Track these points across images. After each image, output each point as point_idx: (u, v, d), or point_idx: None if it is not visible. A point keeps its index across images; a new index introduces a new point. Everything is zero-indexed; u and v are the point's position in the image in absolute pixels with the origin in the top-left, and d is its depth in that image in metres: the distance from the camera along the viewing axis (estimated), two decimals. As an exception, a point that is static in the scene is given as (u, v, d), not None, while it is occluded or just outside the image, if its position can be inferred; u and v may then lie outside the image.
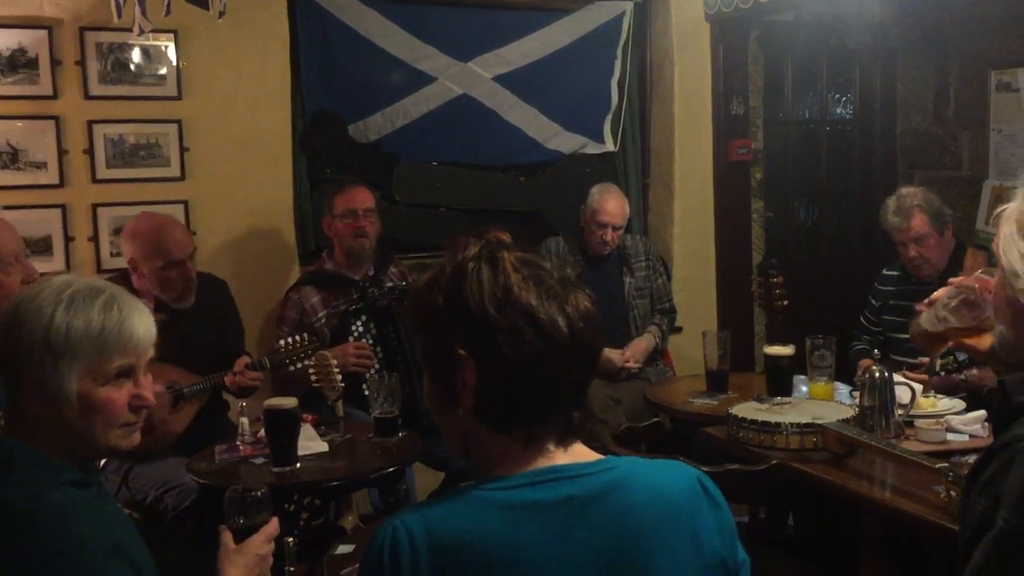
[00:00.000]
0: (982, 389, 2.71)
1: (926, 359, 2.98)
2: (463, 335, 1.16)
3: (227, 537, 1.75)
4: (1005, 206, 1.46)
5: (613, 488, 1.18)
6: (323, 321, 3.51)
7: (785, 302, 3.23)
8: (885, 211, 3.42)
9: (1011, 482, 1.27)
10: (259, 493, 1.79)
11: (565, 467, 1.18)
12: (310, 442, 2.83)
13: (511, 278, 1.17)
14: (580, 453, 1.22)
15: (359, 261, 3.60)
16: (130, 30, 3.13)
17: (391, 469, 2.82)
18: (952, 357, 2.90)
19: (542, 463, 1.18)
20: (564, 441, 1.21)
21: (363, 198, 3.60)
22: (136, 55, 3.64)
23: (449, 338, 1.17)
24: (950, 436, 2.56)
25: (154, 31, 3.28)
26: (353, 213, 3.56)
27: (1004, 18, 4.32)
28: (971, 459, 2.13)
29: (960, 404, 2.76)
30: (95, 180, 3.62)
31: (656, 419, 3.20)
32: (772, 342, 3.16)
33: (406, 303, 1.30)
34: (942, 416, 2.64)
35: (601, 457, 1.23)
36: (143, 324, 1.57)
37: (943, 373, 2.85)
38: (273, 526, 1.79)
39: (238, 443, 2.88)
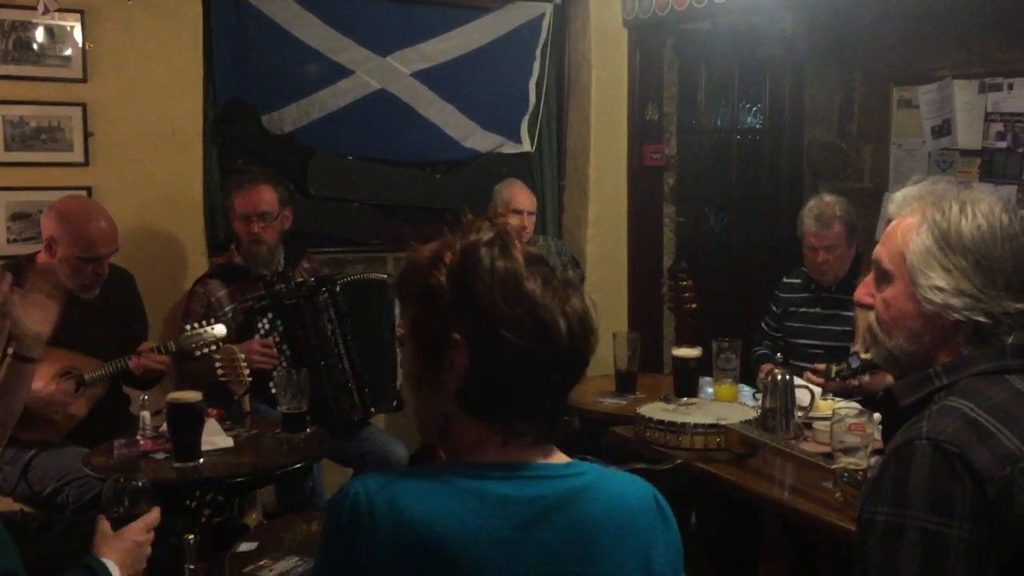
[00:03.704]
0: (876, 394, 2.81)
1: (822, 365, 3.09)
2: (462, 320, 1.14)
3: (104, 524, 1.73)
4: (902, 218, 1.48)
5: (579, 494, 1.18)
6: (229, 316, 3.43)
7: (694, 305, 3.30)
8: (805, 215, 3.49)
9: (915, 483, 1.31)
10: (139, 483, 1.79)
11: (539, 466, 1.19)
12: (214, 437, 2.77)
13: (522, 272, 1.15)
14: (553, 455, 1.23)
15: (261, 262, 3.54)
16: (34, 8, 3.01)
17: (297, 465, 2.78)
18: (846, 364, 3.01)
19: (517, 458, 1.18)
20: (542, 440, 1.21)
21: (259, 201, 3.48)
22: (40, 34, 3.50)
23: (446, 320, 1.15)
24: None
25: (60, 10, 3.17)
26: (247, 218, 3.48)
27: (906, 37, 4.49)
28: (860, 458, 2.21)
29: (856, 406, 2.86)
30: (-8, 163, 3.48)
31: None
32: (680, 344, 3.22)
33: (400, 272, 1.23)
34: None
35: (572, 461, 1.24)
36: None
37: (838, 379, 2.95)
38: (153, 515, 1.78)
39: (138, 437, 2.80)
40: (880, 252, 1.51)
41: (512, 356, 1.13)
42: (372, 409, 3.56)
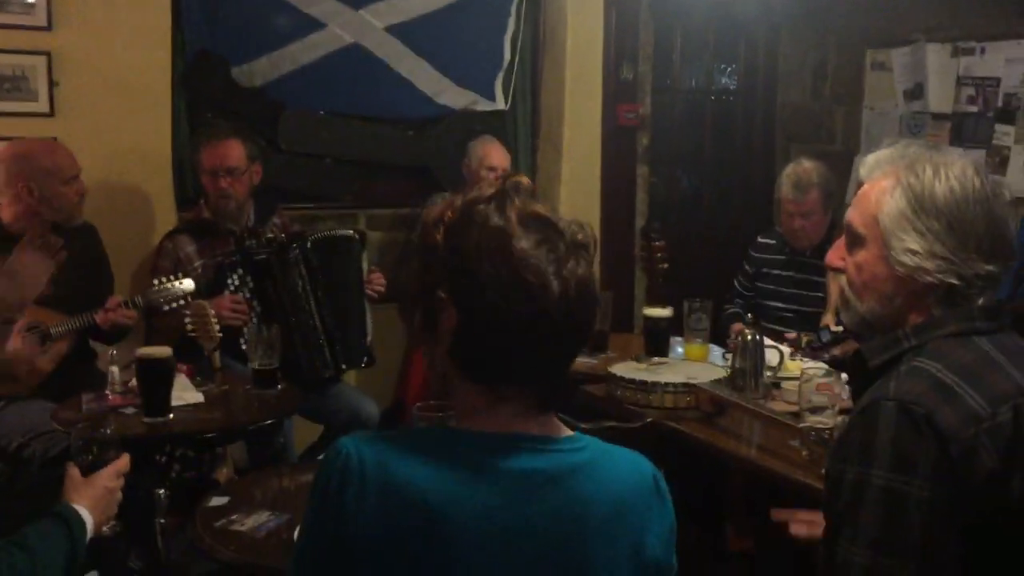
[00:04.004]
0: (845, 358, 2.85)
1: (792, 334, 3.12)
2: (451, 279, 1.14)
3: (73, 471, 1.74)
4: (874, 182, 1.48)
5: (576, 470, 1.17)
6: (199, 271, 3.40)
7: (665, 265, 3.30)
8: (783, 181, 3.47)
9: (880, 441, 1.33)
10: (107, 431, 1.82)
11: (536, 437, 1.17)
12: (184, 392, 2.76)
13: (514, 231, 1.12)
14: (552, 426, 1.21)
15: (228, 218, 3.50)
16: (-4, -47, 2.93)
17: (268, 422, 2.78)
18: (816, 336, 3.05)
19: (514, 427, 1.17)
20: (539, 410, 1.18)
21: (227, 155, 3.45)
22: (2, -21, 3.41)
23: (436, 277, 1.15)
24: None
25: (23, -44, 3.08)
26: (214, 172, 3.44)
27: (879, 2, 4.49)
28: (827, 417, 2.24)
29: (823, 367, 2.89)
30: (-47, 112, 3.40)
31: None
32: (652, 304, 3.24)
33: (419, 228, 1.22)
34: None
35: (572, 434, 1.22)
36: None
37: (809, 349, 2.99)
38: (124, 461, 1.80)
39: (107, 392, 2.78)
40: (852, 216, 1.51)
41: (496, 317, 1.12)
42: (343, 366, 3.55)
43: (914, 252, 1.41)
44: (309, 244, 3.45)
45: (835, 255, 1.56)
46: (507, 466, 1.14)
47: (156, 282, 3.05)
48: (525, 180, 1.20)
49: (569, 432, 1.22)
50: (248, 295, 3.36)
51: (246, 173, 3.49)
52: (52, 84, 3.52)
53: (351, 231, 3.67)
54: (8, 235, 3.04)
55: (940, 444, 1.30)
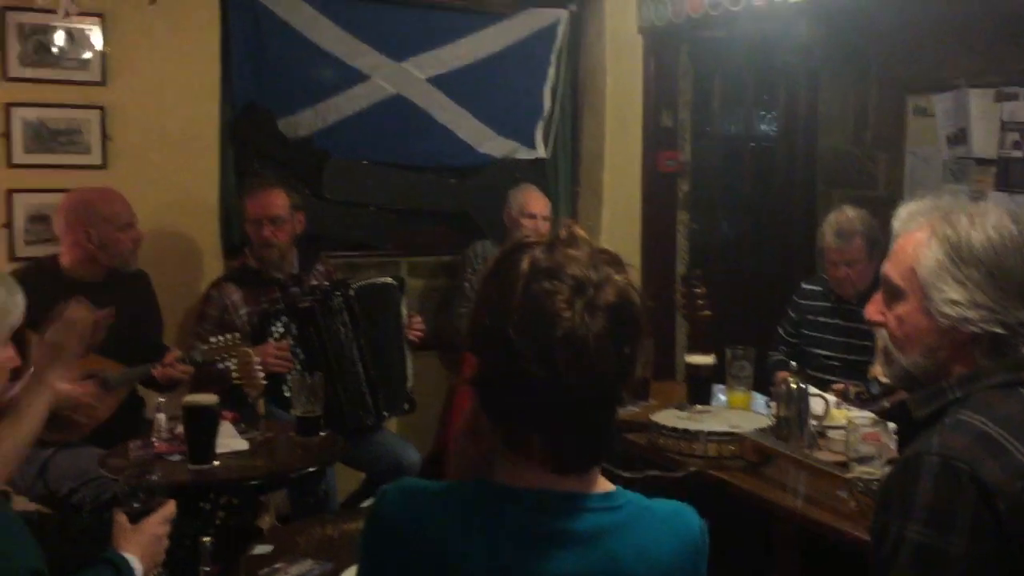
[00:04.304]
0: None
1: (840, 385, 3.08)
2: (471, 328, 1.16)
3: (122, 518, 1.76)
4: (910, 234, 1.47)
5: (606, 532, 1.13)
6: (244, 319, 3.45)
7: (707, 312, 3.28)
8: (825, 229, 3.43)
9: (919, 496, 1.32)
10: (153, 478, 1.84)
11: (565, 494, 1.14)
12: (229, 440, 2.79)
13: (520, 285, 1.10)
14: (588, 482, 1.16)
15: (272, 265, 3.55)
16: (55, 12, 3.03)
17: (311, 469, 2.79)
18: (866, 387, 3.01)
19: (545, 483, 1.13)
20: (571, 464, 1.14)
21: (270, 204, 3.52)
22: (59, 38, 3.53)
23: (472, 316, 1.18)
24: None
25: (80, 14, 3.19)
26: (258, 222, 3.51)
27: (921, 45, 4.48)
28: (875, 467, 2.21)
29: (871, 416, 2.85)
30: (11, 165, 3.50)
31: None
32: (693, 351, 3.21)
33: None
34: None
35: (610, 491, 1.18)
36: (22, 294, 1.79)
37: (858, 400, 2.95)
38: (169, 508, 1.82)
39: (154, 439, 2.81)
40: (889, 269, 1.50)
41: (505, 372, 1.10)
42: (385, 413, 3.57)
43: (956, 302, 1.40)
44: (352, 292, 3.49)
45: (874, 309, 1.54)
46: (530, 525, 1.12)
47: (213, 340, 3.10)
48: (570, 228, 1.16)
49: (608, 488, 1.18)
50: (292, 342, 3.39)
51: (289, 222, 3.55)
52: (105, 137, 3.62)
53: (390, 278, 3.70)
54: (69, 280, 3.12)
55: (984, 499, 1.28)
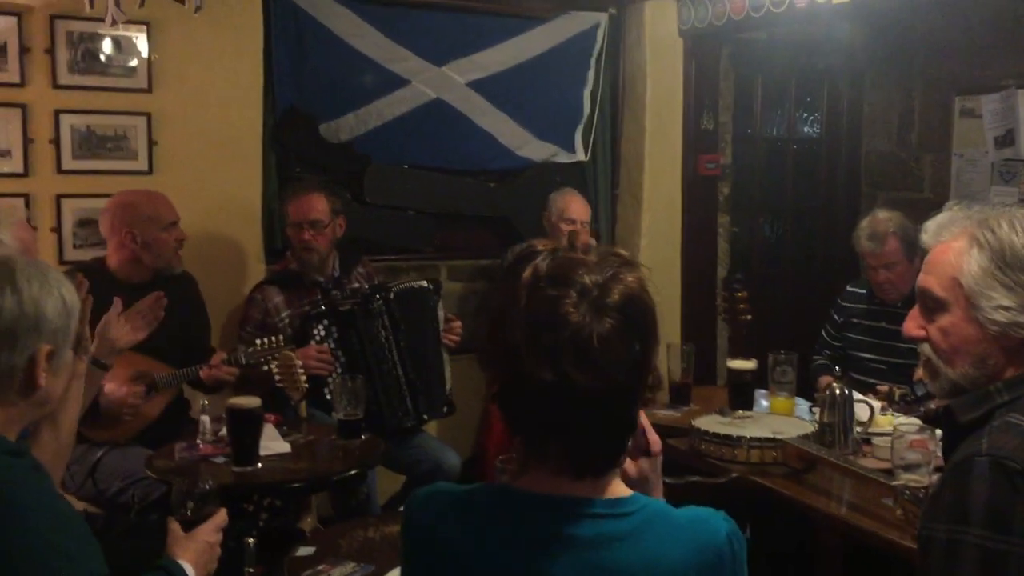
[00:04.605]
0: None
1: (885, 387, 3.04)
2: (487, 337, 1.18)
3: (175, 525, 1.78)
4: (946, 244, 1.45)
5: (615, 538, 1.13)
6: (286, 321, 3.49)
7: (749, 316, 3.26)
8: (859, 233, 3.42)
9: (974, 500, 1.30)
10: (207, 486, 1.84)
11: (577, 500, 1.14)
12: (272, 442, 2.81)
13: (520, 298, 1.12)
14: (602, 487, 1.17)
15: (313, 269, 3.59)
16: (102, 20, 3.08)
17: (353, 472, 2.81)
18: (910, 389, 2.96)
19: (560, 488, 1.15)
20: (585, 469, 1.15)
21: (311, 208, 3.55)
22: (107, 46, 3.60)
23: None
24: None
25: (126, 22, 3.24)
26: (299, 226, 3.55)
27: (968, 45, 4.41)
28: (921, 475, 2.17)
29: (917, 422, 2.81)
30: (60, 171, 3.57)
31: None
32: (735, 356, 3.19)
33: None
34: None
35: (625, 496, 1.17)
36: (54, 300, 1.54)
37: (903, 403, 2.91)
38: (222, 516, 1.83)
39: (198, 441, 2.85)
40: (928, 281, 1.47)
41: (515, 377, 1.12)
42: (424, 416, 3.58)
43: (1007, 308, 1.38)
44: (392, 295, 3.51)
45: (913, 324, 1.50)
46: (541, 530, 1.13)
47: (258, 342, 3.13)
48: (583, 238, 1.20)
49: (623, 493, 1.18)
50: (333, 345, 3.42)
51: (329, 226, 3.58)
52: (151, 143, 3.68)
53: (426, 281, 3.72)
54: (116, 281, 3.18)
55: None
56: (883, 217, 3.40)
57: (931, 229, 1.50)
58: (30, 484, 1.44)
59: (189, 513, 1.80)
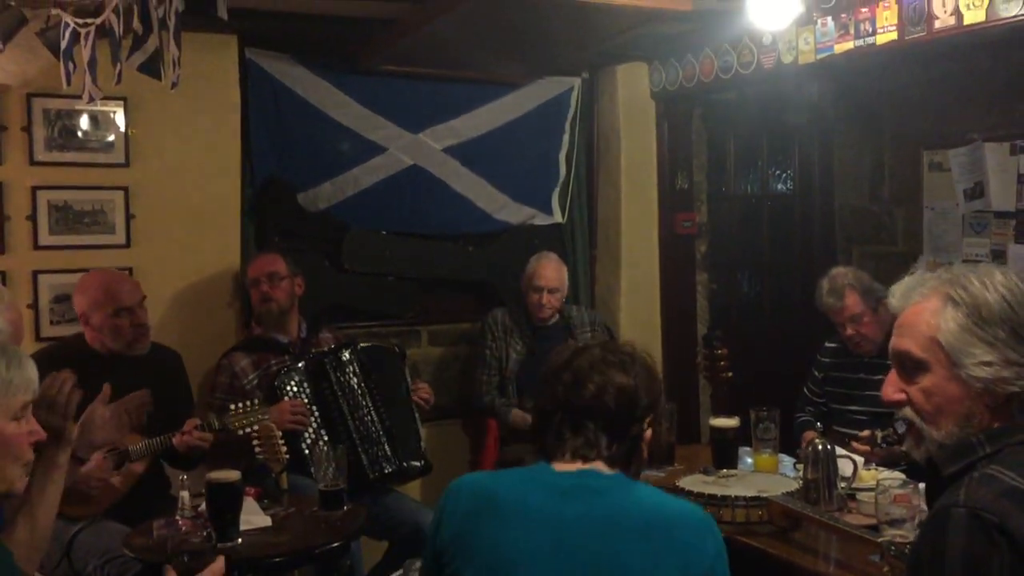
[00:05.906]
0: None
1: (867, 432, 3.04)
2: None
3: (172, 574, 1.76)
4: (918, 305, 1.45)
5: (613, 489, 1.68)
6: (255, 383, 3.47)
7: (729, 374, 3.27)
8: (819, 293, 3.49)
9: (951, 551, 1.29)
10: (195, 540, 1.86)
11: (587, 472, 1.70)
12: (252, 516, 2.76)
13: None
14: (606, 467, 1.73)
15: (273, 325, 3.60)
16: (79, 97, 3.10)
17: (336, 544, 2.77)
18: (892, 429, 2.96)
19: (574, 467, 1.72)
20: (592, 457, 1.72)
21: (266, 263, 3.61)
22: (84, 122, 3.62)
23: None
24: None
25: (104, 98, 3.26)
26: (256, 281, 3.59)
27: (933, 103, 4.51)
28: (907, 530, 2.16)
29: (901, 476, 2.81)
30: (37, 247, 3.57)
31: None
32: (717, 414, 3.19)
33: None
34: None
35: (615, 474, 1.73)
36: (32, 367, 1.83)
37: (885, 444, 2.90)
38: (219, 564, 1.81)
39: (177, 517, 2.80)
40: (904, 344, 1.47)
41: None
42: (404, 464, 3.55)
43: (989, 364, 1.38)
44: (359, 347, 3.57)
45: (892, 389, 1.49)
46: (559, 481, 1.69)
47: (232, 407, 3.10)
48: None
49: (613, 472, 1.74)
50: (306, 400, 3.42)
51: (287, 279, 3.61)
52: (129, 216, 3.69)
53: (392, 345, 3.80)
54: (96, 354, 3.17)
55: (1015, 553, 1.26)
56: (837, 273, 3.51)
57: (898, 292, 1.51)
58: None
59: (186, 559, 1.78)
